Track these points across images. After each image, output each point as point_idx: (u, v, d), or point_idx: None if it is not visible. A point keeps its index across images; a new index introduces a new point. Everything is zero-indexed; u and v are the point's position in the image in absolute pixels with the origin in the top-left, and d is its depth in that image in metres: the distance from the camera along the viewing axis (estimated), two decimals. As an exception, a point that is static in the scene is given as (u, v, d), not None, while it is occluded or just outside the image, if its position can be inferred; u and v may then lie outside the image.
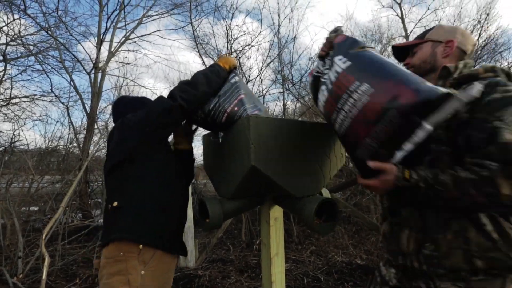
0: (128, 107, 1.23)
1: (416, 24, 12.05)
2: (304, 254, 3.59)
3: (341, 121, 0.83)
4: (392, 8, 12.72)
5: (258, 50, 4.63)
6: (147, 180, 1.10)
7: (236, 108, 1.12)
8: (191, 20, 4.02)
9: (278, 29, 4.36)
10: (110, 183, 1.17)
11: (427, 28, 1.04)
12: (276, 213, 1.31)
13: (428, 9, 11.78)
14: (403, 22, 12.33)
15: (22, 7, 4.09)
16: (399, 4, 12.45)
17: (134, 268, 0.98)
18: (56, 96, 4.35)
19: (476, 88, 0.66)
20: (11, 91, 5.07)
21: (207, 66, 1.26)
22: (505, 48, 8.90)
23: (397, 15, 12.51)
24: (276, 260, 1.29)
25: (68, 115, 4.25)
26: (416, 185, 0.75)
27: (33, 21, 4.94)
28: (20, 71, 5.40)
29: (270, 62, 4.32)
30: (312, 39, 6.61)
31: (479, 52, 9.98)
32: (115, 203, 1.07)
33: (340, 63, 0.85)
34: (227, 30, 4.12)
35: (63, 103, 4.36)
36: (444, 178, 0.71)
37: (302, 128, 1.14)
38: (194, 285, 2.61)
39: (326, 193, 1.36)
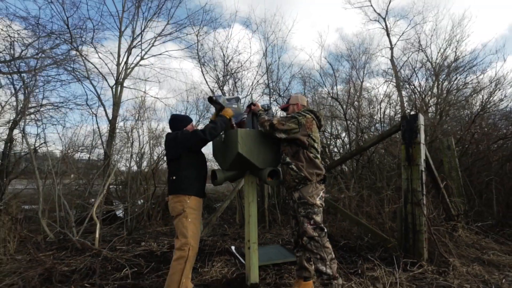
0: (177, 123, 2.43)
1: (399, 38, 13.46)
2: (284, 231, 4.79)
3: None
4: (378, 21, 14.13)
5: (248, 70, 5.84)
6: (188, 165, 2.29)
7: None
8: (198, 52, 5.25)
9: (265, 53, 5.60)
10: (170, 167, 2.37)
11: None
12: (252, 179, 2.52)
13: (409, 24, 13.22)
14: (388, 35, 13.73)
15: (69, 39, 5.25)
16: (384, 19, 13.87)
17: (185, 201, 2.20)
18: (88, 106, 5.53)
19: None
20: (42, 100, 6.24)
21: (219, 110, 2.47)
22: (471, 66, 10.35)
23: (383, 28, 13.92)
24: (252, 204, 2.50)
25: (96, 122, 5.41)
26: (258, 112, 2.42)
27: (59, 38, 6.11)
28: (44, 83, 6.59)
29: (259, 79, 5.57)
30: (291, 61, 7.93)
31: (454, 64, 11.45)
32: (174, 177, 2.27)
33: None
34: (223, 55, 5.36)
35: (92, 112, 5.55)
36: (262, 119, 2.30)
37: (263, 134, 2.37)
38: (201, 245, 3.78)
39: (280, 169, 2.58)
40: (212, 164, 6.95)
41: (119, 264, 3.07)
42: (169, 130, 2.53)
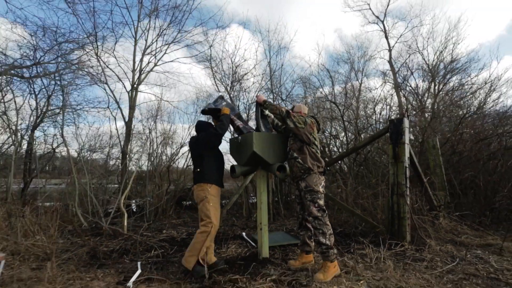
0: (201, 127, 3.03)
1: (397, 40, 14.06)
2: (287, 222, 5.41)
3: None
4: (377, 24, 14.74)
5: (254, 77, 6.47)
6: (209, 160, 2.88)
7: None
8: (210, 64, 5.87)
9: (269, 62, 6.22)
10: (195, 163, 2.96)
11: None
12: (263, 173, 3.14)
13: (407, 27, 13.85)
14: (386, 37, 14.34)
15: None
16: (383, 22, 14.49)
17: (207, 189, 2.80)
18: (109, 109, 6.15)
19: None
20: (63, 102, 6.84)
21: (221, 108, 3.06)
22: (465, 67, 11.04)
23: (382, 30, 14.52)
24: (263, 193, 3.11)
25: (115, 124, 6.01)
26: (266, 101, 3.00)
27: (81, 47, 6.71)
28: (62, 86, 7.19)
29: (263, 85, 6.19)
30: (293, 69, 8.54)
31: (450, 65, 12.13)
32: (198, 169, 2.86)
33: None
34: (231, 62, 5.97)
35: (113, 115, 6.17)
36: (273, 107, 2.93)
37: (273, 136, 2.98)
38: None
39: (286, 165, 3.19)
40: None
41: (148, 246, 3.67)
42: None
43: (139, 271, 2.67)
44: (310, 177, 2.66)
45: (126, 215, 4.25)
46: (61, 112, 5.61)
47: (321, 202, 2.65)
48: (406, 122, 3.90)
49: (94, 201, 4.66)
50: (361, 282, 2.44)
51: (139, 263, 2.93)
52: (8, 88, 6.87)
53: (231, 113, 3.10)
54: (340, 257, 3.08)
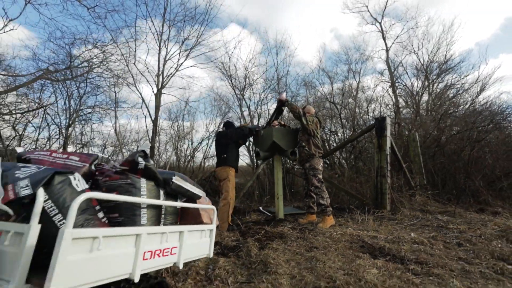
0: (227, 125, 4.35)
1: (394, 41, 15.34)
2: (293, 204, 6.71)
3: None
4: (375, 25, 16.02)
5: (265, 81, 7.74)
6: (232, 150, 4.13)
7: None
8: (229, 71, 7.14)
9: (276, 68, 7.50)
10: (221, 149, 4.19)
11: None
12: (279, 157, 4.44)
13: (403, 29, 15.14)
14: (384, 38, 15.62)
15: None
16: (380, 23, 15.77)
17: (229, 171, 4.06)
18: (142, 109, 7.40)
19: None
20: (95, 102, 8.09)
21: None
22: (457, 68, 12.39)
23: (380, 31, 15.80)
24: (279, 173, 4.42)
25: (145, 122, 7.25)
26: (288, 101, 4.25)
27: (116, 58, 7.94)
28: (92, 88, 8.44)
29: (270, 90, 7.47)
30: (298, 74, 9.79)
31: (443, 66, 13.48)
32: (224, 155, 4.13)
33: None
34: (245, 69, 7.25)
35: (144, 115, 7.43)
36: (294, 106, 4.13)
37: (287, 130, 4.27)
38: (236, 209, 5.66)
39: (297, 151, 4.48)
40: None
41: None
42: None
43: (194, 225, 3.95)
44: (313, 160, 3.95)
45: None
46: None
47: (320, 176, 3.95)
48: (388, 120, 5.19)
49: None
50: (349, 229, 3.74)
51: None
52: (45, 89, 8.14)
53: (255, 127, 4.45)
54: (335, 220, 4.38)
